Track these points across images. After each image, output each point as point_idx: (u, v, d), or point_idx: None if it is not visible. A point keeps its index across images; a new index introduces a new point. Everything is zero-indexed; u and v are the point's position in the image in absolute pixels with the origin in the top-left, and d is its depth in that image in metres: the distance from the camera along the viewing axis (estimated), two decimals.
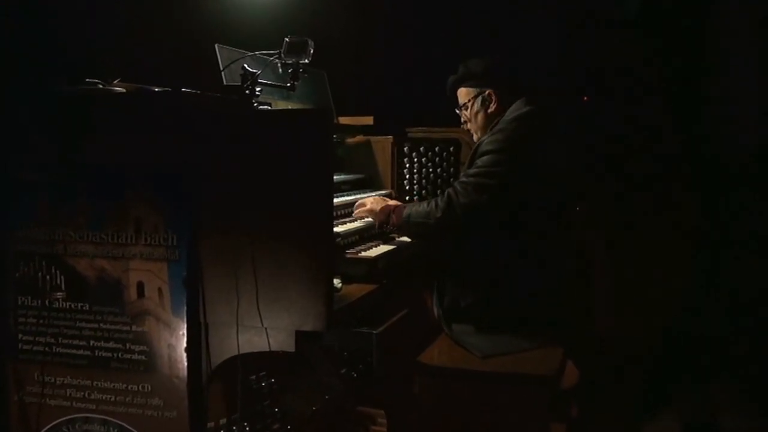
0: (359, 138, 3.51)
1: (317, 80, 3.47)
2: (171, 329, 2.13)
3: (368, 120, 3.57)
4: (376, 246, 2.80)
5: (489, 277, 2.73)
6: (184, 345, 2.12)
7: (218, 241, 2.08)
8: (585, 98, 4.15)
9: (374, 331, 2.66)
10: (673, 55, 4.16)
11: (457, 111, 3.00)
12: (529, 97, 2.83)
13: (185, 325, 2.11)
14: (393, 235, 2.97)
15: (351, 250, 2.67)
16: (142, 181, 2.12)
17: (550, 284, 2.73)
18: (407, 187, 3.46)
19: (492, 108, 2.88)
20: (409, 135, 3.62)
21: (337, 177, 3.22)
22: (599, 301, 3.20)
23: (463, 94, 2.96)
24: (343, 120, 3.58)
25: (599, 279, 3.00)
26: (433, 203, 2.67)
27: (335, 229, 2.69)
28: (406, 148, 3.48)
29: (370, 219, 2.94)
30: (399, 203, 2.93)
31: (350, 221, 2.94)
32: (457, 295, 2.76)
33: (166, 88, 2.16)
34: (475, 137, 2.99)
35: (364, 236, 2.91)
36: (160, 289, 2.14)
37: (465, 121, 3.01)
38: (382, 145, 3.46)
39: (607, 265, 3.55)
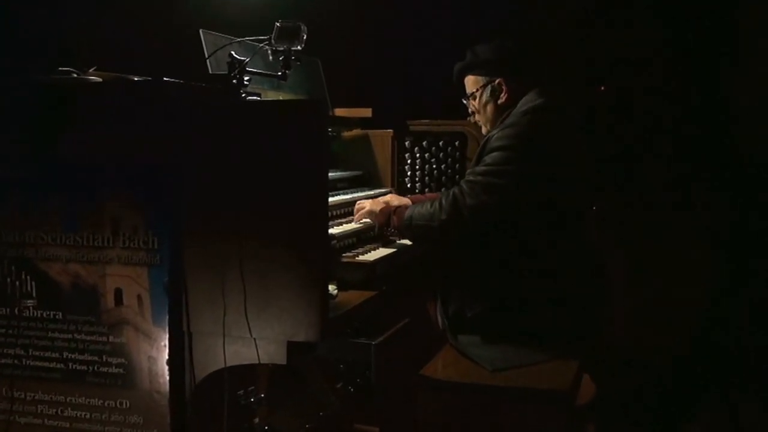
0: (356, 131, 3.51)
1: (311, 68, 3.46)
2: (151, 340, 2.13)
3: (366, 112, 3.56)
4: (374, 249, 2.79)
5: (497, 284, 2.72)
6: (166, 357, 2.12)
7: (203, 244, 2.08)
8: (601, 88, 4.14)
9: (373, 342, 2.66)
10: (698, 45, 4.15)
11: (464, 101, 2.99)
12: (543, 88, 2.82)
13: (167, 336, 2.11)
14: (393, 237, 2.97)
15: (348, 254, 2.66)
16: (121, 179, 2.12)
17: (564, 291, 2.72)
18: (409, 185, 3.46)
19: (502, 99, 2.87)
20: (411, 128, 3.61)
21: (333, 174, 3.22)
22: (617, 309, 3.19)
23: (471, 82, 2.95)
24: (339, 112, 3.57)
25: (617, 285, 2.99)
26: (437, 204, 2.67)
27: (330, 231, 2.68)
28: (407, 143, 3.47)
29: (369, 221, 2.94)
30: (400, 203, 2.92)
31: (347, 222, 2.94)
32: (464, 303, 2.75)
33: (147, 77, 2.16)
34: (483, 130, 2.98)
35: (362, 239, 2.90)
36: (139, 296, 2.13)
37: (472, 113, 3.00)
38: (382, 139, 3.45)
39: (625, 271, 3.55)
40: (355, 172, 3.42)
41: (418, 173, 3.48)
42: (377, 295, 2.50)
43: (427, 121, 3.65)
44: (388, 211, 2.82)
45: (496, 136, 2.69)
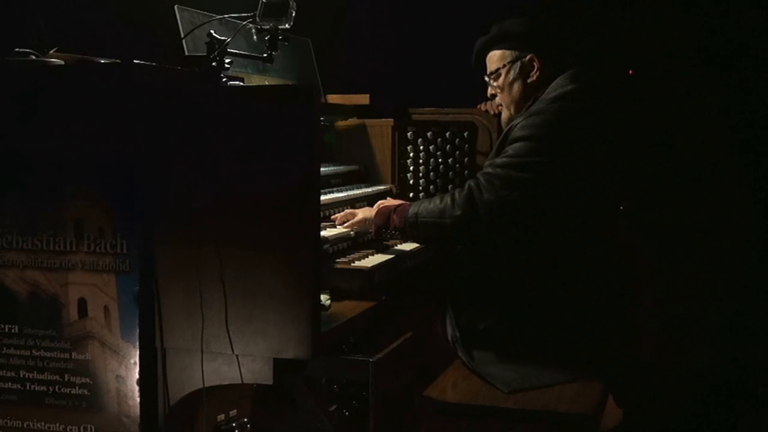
0: (352, 121, 3.51)
1: (300, 50, 3.46)
2: (120, 357, 2.12)
3: (363, 99, 3.56)
4: (372, 254, 2.79)
5: (514, 292, 2.72)
6: (136, 376, 2.12)
7: (179, 248, 2.08)
8: (630, 72, 4.14)
9: (371, 359, 2.65)
10: (738, 25, 4.16)
11: (486, 78, 2.98)
12: (576, 72, 2.81)
13: (137, 352, 2.11)
14: (393, 241, 2.97)
15: (342, 259, 2.66)
16: (85, 174, 2.12)
17: (589, 302, 2.72)
18: (411, 182, 3.46)
19: (533, 77, 2.87)
20: (414, 117, 3.61)
21: (325, 169, 3.22)
22: (648, 323, 3.19)
23: (496, 58, 2.94)
24: (333, 99, 3.57)
25: (647, 296, 2.99)
26: (448, 198, 2.66)
27: (323, 234, 2.68)
28: (409, 134, 3.47)
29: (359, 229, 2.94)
30: (400, 201, 2.92)
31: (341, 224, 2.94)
32: (475, 314, 2.75)
33: (115, 60, 2.16)
34: (504, 114, 2.98)
35: (359, 242, 2.90)
36: (106, 308, 2.13)
37: (492, 94, 3.00)
38: (381, 129, 3.45)
39: (657, 279, 3.54)
40: (350, 167, 3.41)
41: (421, 168, 3.48)
42: (376, 306, 2.50)
43: (432, 109, 3.65)
44: (387, 211, 2.82)
45: (520, 124, 2.68)
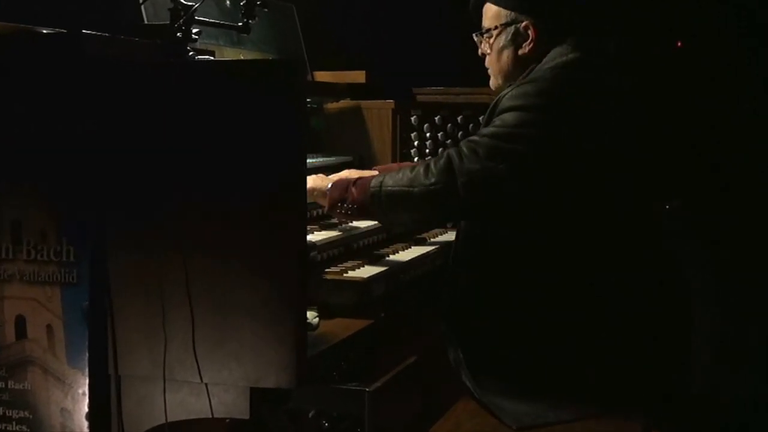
0: (345, 103, 3.51)
1: (282, 18, 3.46)
2: (65, 386, 2.12)
3: (358, 76, 3.56)
4: (368, 263, 2.79)
5: (526, 308, 2.72)
6: (86, 410, 2.11)
7: (137, 256, 2.07)
8: (678, 44, 4.14)
9: (367, 389, 2.65)
10: None
11: (475, 36, 2.98)
12: (580, 40, 2.81)
13: (87, 381, 2.10)
14: (389, 249, 2.96)
15: (333, 269, 2.67)
16: (23, 165, 2.11)
17: (622, 320, 2.72)
18: None
19: (525, 49, 2.85)
20: (419, 98, 3.61)
21: (313, 160, 3.22)
22: (699, 348, 3.19)
23: (491, 14, 2.92)
24: (321, 76, 3.57)
25: (699, 314, 2.98)
26: (421, 167, 2.65)
27: (309, 238, 2.68)
28: (413, 118, 3.48)
29: (356, 222, 2.94)
30: (363, 172, 2.89)
31: (331, 226, 2.94)
32: (484, 333, 2.75)
33: (60, 30, 2.15)
34: (492, 82, 2.97)
35: (353, 249, 2.91)
36: (49, 327, 2.13)
37: (483, 54, 2.99)
38: (379, 113, 3.46)
39: (710, 293, 3.53)
40: (342, 158, 3.42)
41: (428, 159, 3.49)
42: (373, 325, 2.51)
43: (440, 88, 3.65)
44: (346, 183, 2.79)
45: (509, 94, 2.67)
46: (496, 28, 2.88)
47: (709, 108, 4.14)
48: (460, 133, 3.52)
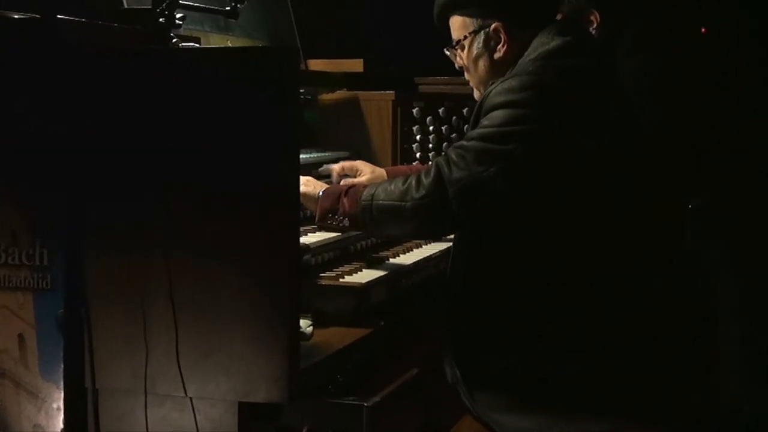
0: (341, 94, 3.51)
1: (273, 2, 3.46)
2: (38, 400, 2.12)
3: (356, 65, 3.56)
4: (367, 267, 2.80)
5: (524, 310, 2.72)
6: (60, 426, 2.11)
7: (116, 260, 2.07)
8: (703, 30, 4.13)
9: (365, 404, 2.65)
10: None
11: (447, 51, 2.99)
12: (562, 26, 2.81)
13: (61, 395, 2.10)
14: (389, 252, 2.97)
15: (328, 273, 2.67)
16: None
17: (637, 329, 2.73)
18: None
19: (501, 52, 2.86)
20: (422, 89, 3.61)
21: (306, 156, 3.22)
22: (724, 360, 3.19)
23: (458, 25, 2.94)
24: (316, 65, 3.57)
25: (724, 321, 2.98)
26: (413, 179, 2.67)
27: (302, 240, 2.69)
28: (415, 110, 3.48)
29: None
30: (354, 181, 2.91)
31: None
32: (480, 344, 2.75)
33: (33, 15, 2.15)
34: (476, 95, 2.99)
35: (350, 252, 2.91)
36: (21, 336, 2.13)
37: (461, 68, 3.01)
38: (378, 104, 3.46)
39: (736, 301, 3.52)
40: (338, 154, 3.42)
41: (431, 155, 3.49)
42: (371, 334, 2.50)
43: (445, 78, 3.65)
44: (337, 193, 2.81)
45: (494, 90, 2.68)
46: (465, 38, 2.89)
47: (734, 99, 4.13)
48: (465, 126, 3.51)
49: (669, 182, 2.91)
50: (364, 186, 2.79)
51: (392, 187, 2.69)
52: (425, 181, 2.62)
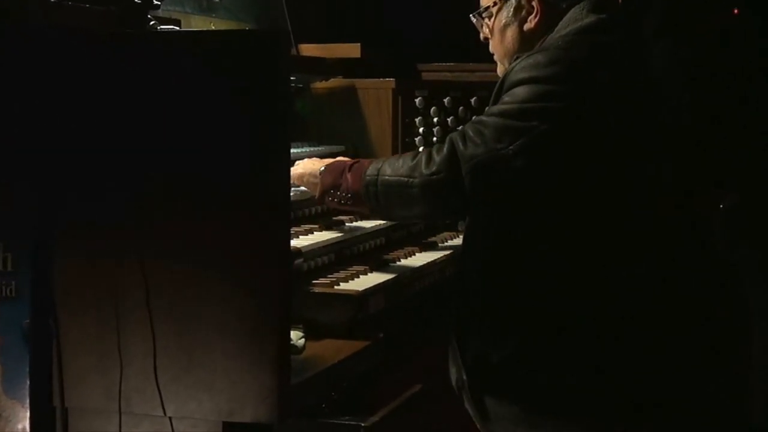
0: (336, 82, 3.51)
1: None
2: (2, 420, 2.12)
3: (353, 50, 3.56)
4: (365, 273, 2.79)
5: (538, 307, 2.72)
6: None
7: (87, 266, 2.07)
8: (735, 11, 4.14)
9: (362, 424, 2.67)
10: None
11: (473, 18, 3.00)
12: (597, 2, 2.83)
13: (27, 414, 2.10)
14: (394, 254, 2.97)
15: (322, 280, 2.67)
16: None
17: (660, 331, 2.73)
18: None
19: (531, 23, 2.89)
20: (425, 76, 3.61)
21: (298, 150, 3.23)
22: (757, 367, 3.18)
23: None
24: (308, 50, 3.57)
25: (760, 327, 2.98)
26: (423, 154, 2.68)
27: (294, 243, 2.68)
28: (418, 100, 3.48)
29: (353, 223, 2.94)
30: (358, 159, 2.93)
31: (320, 229, 2.95)
32: (487, 343, 2.75)
33: None
34: (498, 69, 3.01)
35: (346, 255, 2.92)
36: None
37: (485, 38, 3.02)
38: (378, 93, 3.46)
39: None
40: (333, 148, 3.42)
41: None
42: (369, 347, 2.51)
43: (450, 64, 3.65)
44: (341, 168, 2.82)
45: (519, 66, 2.69)
46: (495, 4, 2.91)
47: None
48: (473, 117, 3.51)
49: (694, 177, 2.91)
50: (370, 161, 2.81)
51: (400, 162, 2.71)
52: (437, 156, 2.64)
